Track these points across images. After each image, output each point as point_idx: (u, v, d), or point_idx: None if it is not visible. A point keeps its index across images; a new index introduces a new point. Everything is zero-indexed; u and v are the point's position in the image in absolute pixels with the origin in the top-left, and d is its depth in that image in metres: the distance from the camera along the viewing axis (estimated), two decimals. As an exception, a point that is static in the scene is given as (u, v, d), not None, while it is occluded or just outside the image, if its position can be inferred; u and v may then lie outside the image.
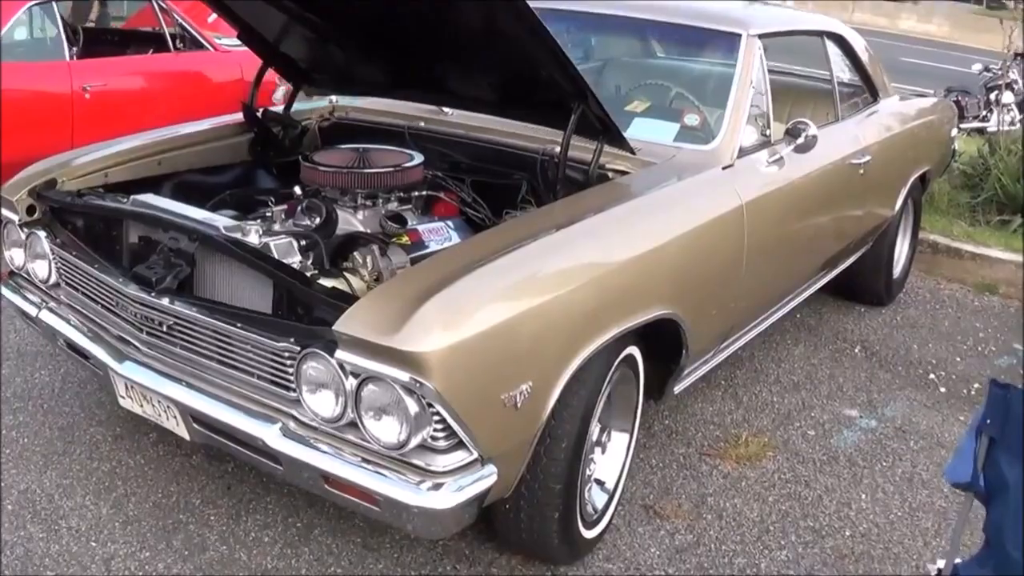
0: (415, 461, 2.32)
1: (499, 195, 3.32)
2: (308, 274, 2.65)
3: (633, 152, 3.17)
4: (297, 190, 3.22)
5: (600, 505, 2.98)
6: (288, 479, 2.62)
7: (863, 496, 3.38)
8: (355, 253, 2.86)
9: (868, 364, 4.43)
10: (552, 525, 2.71)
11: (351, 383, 2.30)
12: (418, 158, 3.26)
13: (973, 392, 4.18)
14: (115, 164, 3.37)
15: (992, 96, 9.13)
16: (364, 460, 2.38)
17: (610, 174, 3.20)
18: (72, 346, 3.05)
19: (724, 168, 3.33)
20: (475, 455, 2.34)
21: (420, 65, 3.38)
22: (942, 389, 4.21)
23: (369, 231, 3.11)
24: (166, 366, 2.74)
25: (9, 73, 4.91)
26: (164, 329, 2.69)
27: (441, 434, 2.30)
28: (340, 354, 2.28)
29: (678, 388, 3.30)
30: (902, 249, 5.09)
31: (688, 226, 3.06)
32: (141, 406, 2.86)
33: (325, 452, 2.42)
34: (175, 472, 3.29)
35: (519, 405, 2.41)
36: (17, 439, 3.43)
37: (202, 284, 2.78)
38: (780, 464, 3.56)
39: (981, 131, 8.34)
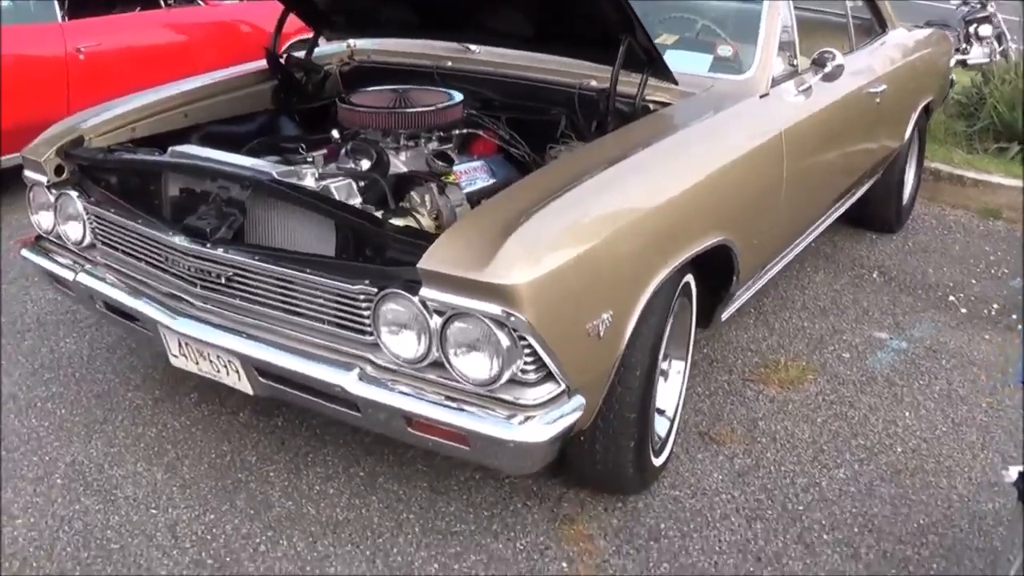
0: (503, 396, 2.30)
1: (536, 131, 3.28)
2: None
3: (676, 83, 3.14)
4: (335, 133, 3.14)
5: (663, 433, 2.98)
6: (367, 425, 2.58)
7: (907, 414, 3.42)
8: (412, 192, 2.81)
9: (888, 288, 4.48)
10: (627, 455, 2.71)
11: (436, 321, 2.27)
12: (458, 97, 3.20)
13: (993, 312, 4.24)
14: (141, 118, 3.27)
15: (971, 29, 9.25)
16: (449, 399, 2.35)
17: (651, 106, 3.17)
18: (114, 307, 2.97)
19: (761, 97, 3.32)
20: (563, 387, 2.32)
21: (446, 1, 3.31)
22: (963, 310, 4.27)
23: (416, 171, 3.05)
24: (224, 319, 2.67)
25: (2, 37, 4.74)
26: (222, 281, 2.62)
27: (531, 367, 2.27)
28: (425, 292, 2.24)
29: (725, 315, 3.32)
30: (909, 177, 5.14)
31: (736, 154, 3.05)
32: (197, 363, 2.79)
33: (408, 394, 2.38)
34: (224, 431, 3.24)
35: (602, 334, 2.40)
36: (54, 410, 3.34)
37: (254, 233, 2.70)
38: (822, 386, 3.60)
39: (963, 63, 8.45)
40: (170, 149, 2.91)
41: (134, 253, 2.89)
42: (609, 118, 3.01)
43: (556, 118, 3.28)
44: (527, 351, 2.24)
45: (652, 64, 3.04)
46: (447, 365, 2.31)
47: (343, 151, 3.03)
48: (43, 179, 3.05)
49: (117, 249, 2.96)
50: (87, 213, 2.99)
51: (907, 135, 4.80)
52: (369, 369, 2.44)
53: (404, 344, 2.36)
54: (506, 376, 2.24)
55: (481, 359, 2.27)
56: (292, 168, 2.68)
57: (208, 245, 2.59)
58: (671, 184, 2.73)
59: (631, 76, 3.07)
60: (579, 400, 2.36)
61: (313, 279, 2.45)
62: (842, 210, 4.46)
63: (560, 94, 3.35)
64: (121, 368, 3.61)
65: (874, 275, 4.63)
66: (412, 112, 3.08)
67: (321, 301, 2.48)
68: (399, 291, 2.29)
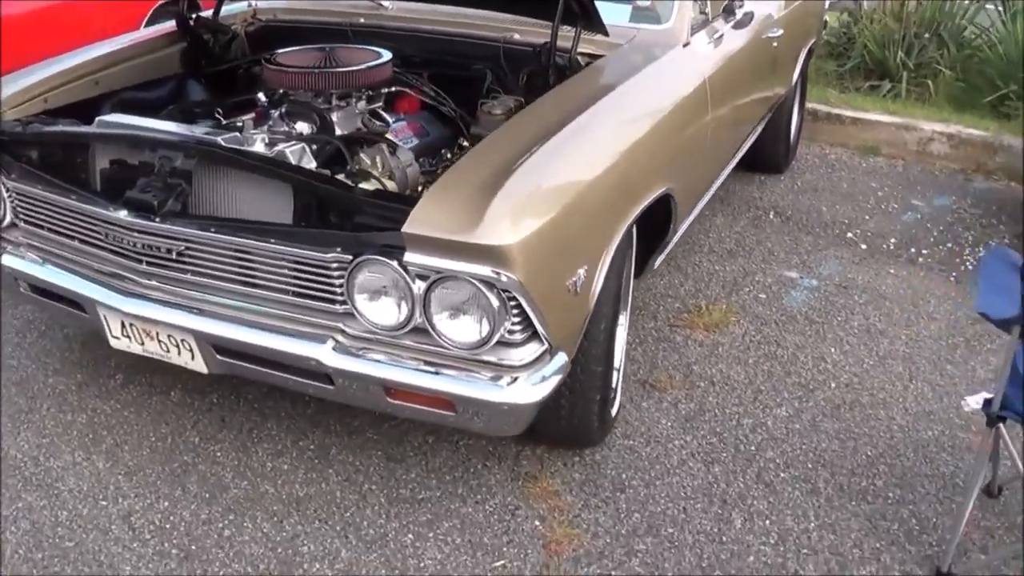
0: (488, 358, 2.27)
1: (458, 87, 3.23)
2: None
3: (607, 34, 3.13)
4: (262, 96, 3.00)
5: (613, 384, 3.02)
6: (339, 398, 2.50)
7: (832, 350, 3.58)
8: (361, 154, 2.71)
9: (787, 228, 4.65)
10: (593, 408, 2.74)
11: (419, 286, 2.21)
12: (387, 55, 3.09)
13: (892, 247, 4.47)
14: (52, 88, 3.04)
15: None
16: (431, 364, 2.32)
17: (581, 58, 3.16)
18: (43, 289, 2.76)
19: (684, 46, 3.35)
20: (546, 346, 2.32)
21: None
22: (863, 246, 4.47)
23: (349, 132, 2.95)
24: (174, 296, 2.53)
25: None
26: (173, 256, 2.47)
27: (517, 327, 2.25)
28: (410, 257, 2.17)
29: (658, 263, 3.37)
30: (795, 118, 5.32)
31: (673, 103, 3.08)
32: (143, 343, 2.64)
33: (387, 362, 2.33)
34: (159, 412, 3.08)
35: (578, 290, 2.40)
36: (-33, 403, 3.10)
37: (198, 204, 2.55)
38: (746, 328, 3.71)
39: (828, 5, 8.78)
40: (98, 119, 2.71)
41: (65, 231, 2.69)
42: (551, 72, 2.97)
43: (481, 73, 3.24)
44: (515, 311, 2.21)
45: (586, 16, 3.02)
46: (431, 330, 2.26)
47: (277, 114, 2.89)
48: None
49: (43, 227, 2.74)
50: (7, 191, 2.75)
51: (795, 77, 4.96)
52: (342, 339, 2.36)
53: (383, 311, 2.29)
54: (496, 338, 2.22)
55: (469, 322, 2.23)
56: (237, 134, 2.54)
57: (156, 219, 2.43)
58: (625, 136, 2.74)
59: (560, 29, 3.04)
60: (562, 358, 2.36)
61: (278, 249, 2.34)
62: (742, 153, 4.59)
63: (481, 48, 3.29)
64: (35, 352, 3.37)
65: (771, 216, 4.79)
66: (344, 71, 2.96)
67: (285, 272, 2.38)
68: (378, 257, 2.21)
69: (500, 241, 2.12)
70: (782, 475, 2.90)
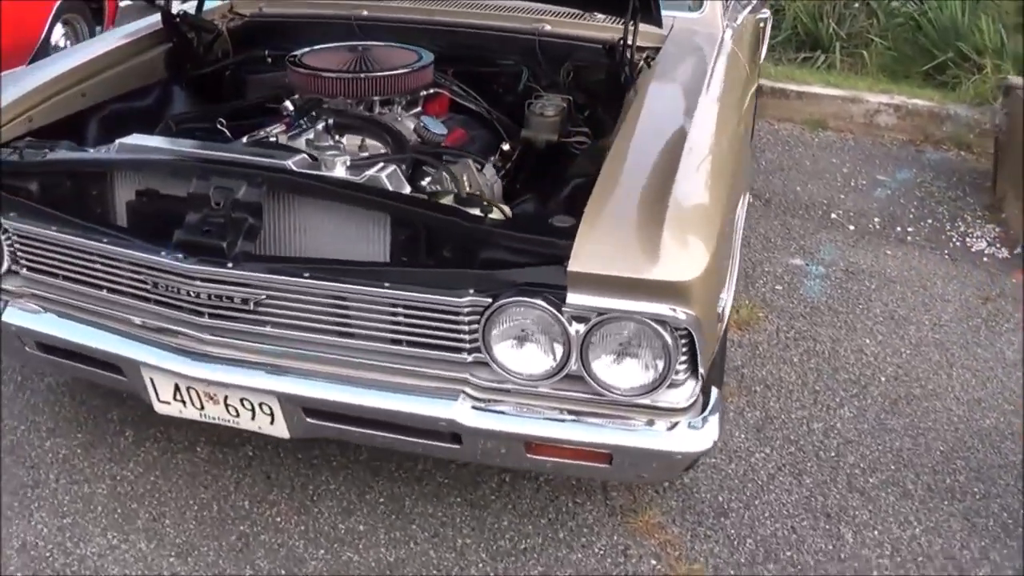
0: (642, 402, 2.02)
1: (485, 84, 2.94)
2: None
3: (661, 26, 2.88)
4: (288, 104, 2.63)
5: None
6: (466, 457, 2.20)
7: (867, 341, 3.50)
8: (443, 172, 2.37)
9: (772, 212, 4.56)
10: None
11: (575, 329, 1.93)
12: (427, 55, 2.75)
13: (877, 226, 4.44)
14: (36, 104, 2.57)
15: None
16: (572, 413, 2.05)
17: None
18: (59, 349, 2.31)
19: (723, 33, 3.16)
20: (700, 382, 2.09)
21: None
22: (851, 227, 4.43)
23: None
24: (248, 353, 2.15)
25: None
26: (250, 307, 2.09)
27: (682, 366, 2.01)
28: (573, 298, 1.90)
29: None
30: (751, 96, 5.24)
31: (740, 98, 2.90)
32: (201, 408, 2.25)
33: (533, 417, 2.05)
34: (190, 474, 2.68)
35: (722, 315, 2.19)
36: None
37: (265, 241, 2.18)
38: (777, 324, 3.59)
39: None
40: (119, 143, 2.29)
41: (88, 279, 2.25)
42: (626, 71, 2.71)
43: (514, 69, 2.95)
44: (684, 349, 1.97)
45: (645, 7, 2.76)
46: (588, 377, 1.98)
47: (320, 126, 2.52)
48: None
49: (56, 275, 2.29)
50: (4, 233, 2.28)
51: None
52: (473, 393, 2.06)
53: (529, 360, 2.01)
54: (668, 380, 1.97)
55: (634, 366, 1.98)
56: (305, 156, 2.18)
57: (229, 264, 2.04)
58: (733, 142, 2.53)
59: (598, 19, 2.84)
60: (715, 393, 2.13)
61: (392, 295, 2.01)
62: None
63: (511, 42, 3.00)
64: (20, 410, 2.90)
65: (750, 199, 4.69)
66: (391, 75, 2.62)
67: (400, 320, 2.04)
68: (530, 300, 1.92)
69: (681, 276, 1.89)
70: (871, 480, 2.79)
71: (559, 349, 1.97)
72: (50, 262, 2.29)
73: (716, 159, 2.31)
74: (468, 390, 2.06)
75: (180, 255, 2.07)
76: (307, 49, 2.75)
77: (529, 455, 2.10)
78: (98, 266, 2.22)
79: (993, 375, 3.32)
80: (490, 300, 1.96)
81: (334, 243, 2.15)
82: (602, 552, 2.49)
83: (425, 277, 2.00)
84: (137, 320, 2.23)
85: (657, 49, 2.88)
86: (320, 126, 2.52)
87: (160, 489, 2.62)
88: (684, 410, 2.03)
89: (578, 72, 2.89)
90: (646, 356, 1.95)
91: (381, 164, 2.19)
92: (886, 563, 2.50)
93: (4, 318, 2.33)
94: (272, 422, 2.20)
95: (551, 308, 1.92)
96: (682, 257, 1.92)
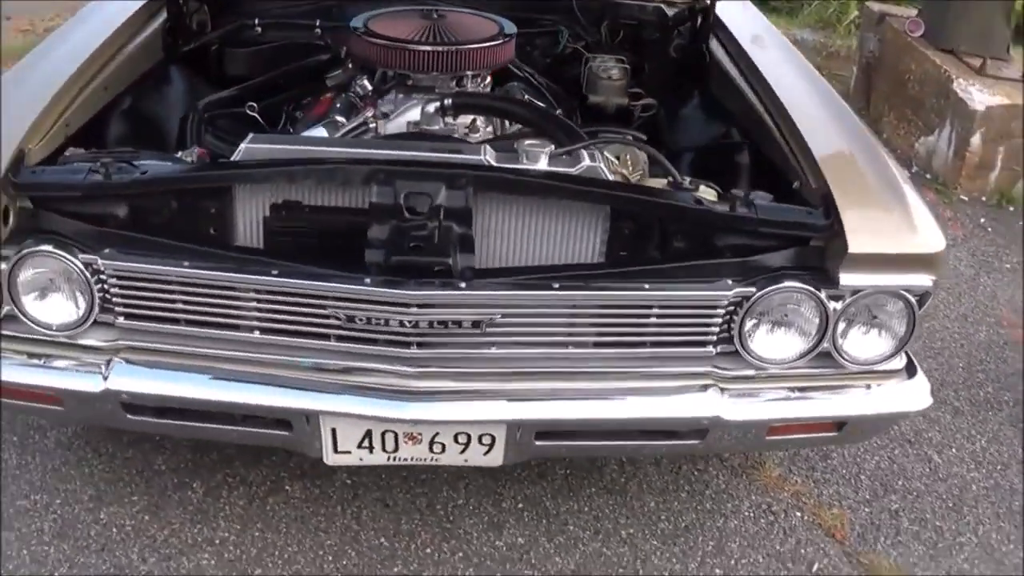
0: (880, 368, 2.01)
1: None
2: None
3: None
4: (366, 83, 2.40)
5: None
6: (706, 451, 2.13)
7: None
8: (605, 152, 2.17)
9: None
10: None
11: (833, 307, 1.88)
12: (510, 24, 2.48)
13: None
14: (68, 106, 2.03)
15: None
16: (804, 391, 2.01)
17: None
18: (186, 411, 1.92)
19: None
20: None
21: None
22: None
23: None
24: (467, 380, 1.89)
25: None
26: (482, 329, 1.82)
27: (907, 333, 2.03)
28: (846, 279, 1.84)
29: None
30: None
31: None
32: (394, 451, 1.95)
33: (780, 400, 1.99)
34: (295, 519, 2.36)
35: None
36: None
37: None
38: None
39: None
40: (245, 147, 1.89)
41: (232, 321, 1.85)
42: (705, 35, 2.62)
43: (555, 30, 2.79)
44: None
45: None
46: (835, 353, 1.95)
47: (433, 108, 2.23)
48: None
49: (177, 321, 1.86)
50: (98, 275, 1.81)
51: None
52: (723, 384, 1.95)
53: (783, 344, 1.93)
54: (908, 343, 1.97)
55: (875, 336, 1.96)
56: (503, 148, 1.94)
57: (463, 285, 1.77)
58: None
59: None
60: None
61: (646, 296, 1.84)
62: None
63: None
64: (42, 481, 2.40)
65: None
66: (485, 48, 2.34)
67: (650, 320, 1.88)
68: (798, 285, 1.85)
69: (938, 247, 1.91)
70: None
71: (814, 330, 1.91)
72: (166, 305, 1.85)
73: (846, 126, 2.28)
74: (719, 383, 1.95)
75: (393, 280, 1.76)
76: (370, 14, 2.39)
77: (769, 437, 2.04)
78: (252, 304, 1.83)
79: (962, 291, 3.64)
80: (753, 290, 1.85)
81: (537, 246, 1.93)
82: (751, 514, 2.49)
83: (687, 272, 1.86)
84: (306, 363, 1.88)
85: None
86: (431, 108, 2.22)
87: (275, 544, 2.27)
88: (898, 372, 2.06)
89: (619, 30, 2.75)
90: (892, 325, 1.94)
91: (589, 152, 1.97)
92: (976, 475, 2.70)
93: (109, 385, 1.86)
94: (488, 452, 1.96)
95: (815, 291, 1.85)
96: (930, 227, 1.93)
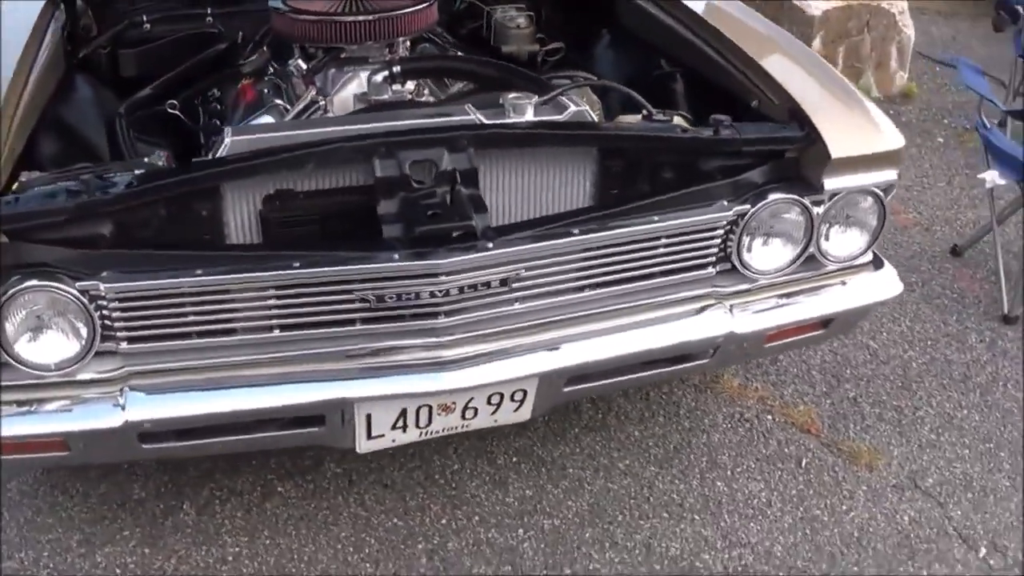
0: (856, 263, 2.16)
1: None
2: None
3: None
4: (301, 63, 2.34)
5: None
6: (712, 369, 2.23)
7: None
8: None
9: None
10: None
11: (817, 212, 2.01)
12: None
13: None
14: (9, 127, 1.86)
15: None
16: (790, 296, 2.14)
17: None
18: (208, 428, 1.83)
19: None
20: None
21: None
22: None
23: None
24: (498, 340, 1.89)
25: None
26: (509, 287, 1.83)
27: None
28: (830, 183, 1.97)
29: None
30: None
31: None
32: (428, 424, 1.94)
33: (779, 307, 2.10)
34: (298, 518, 2.31)
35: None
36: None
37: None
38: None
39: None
40: (231, 141, 1.82)
41: (251, 323, 1.78)
42: None
43: None
44: None
45: None
46: (819, 255, 2.08)
47: (380, 76, 2.18)
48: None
49: (189, 335, 1.76)
50: (99, 302, 1.69)
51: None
52: (729, 301, 2.05)
53: (775, 254, 2.05)
54: (879, 237, 2.13)
55: (852, 234, 2.11)
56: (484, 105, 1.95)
57: (490, 245, 1.77)
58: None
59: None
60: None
61: (655, 229, 1.90)
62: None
63: None
64: (20, 536, 2.22)
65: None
66: (417, 11, 2.29)
67: (658, 251, 1.94)
68: (791, 196, 1.96)
69: (900, 144, 2.06)
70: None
71: (802, 236, 2.03)
72: (176, 320, 1.75)
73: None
74: (723, 301, 2.04)
75: (422, 252, 1.73)
76: None
77: (767, 345, 2.15)
78: (271, 302, 1.76)
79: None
80: (748, 207, 1.95)
81: (532, 196, 1.95)
82: (728, 425, 2.62)
83: (685, 200, 1.92)
84: (333, 352, 1.82)
85: None
86: (379, 77, 2.17)
87: (290, 548, 2.21)
88: (866, 265, 2.21)
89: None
90: (867, 221, 2.09)
91: (566, 99, 2.00)
92: (912, 353, 2.93)
93: (129, 417, 1.74)
94: (518, 408, 1.98)
95: (800, 199, 1.97)
96: (888, 125, 2.08)
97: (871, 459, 2.51)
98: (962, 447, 2.57)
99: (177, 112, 2.33)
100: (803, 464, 2.49)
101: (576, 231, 1.84)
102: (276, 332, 1.79)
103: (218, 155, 1.81)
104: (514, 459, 2.47)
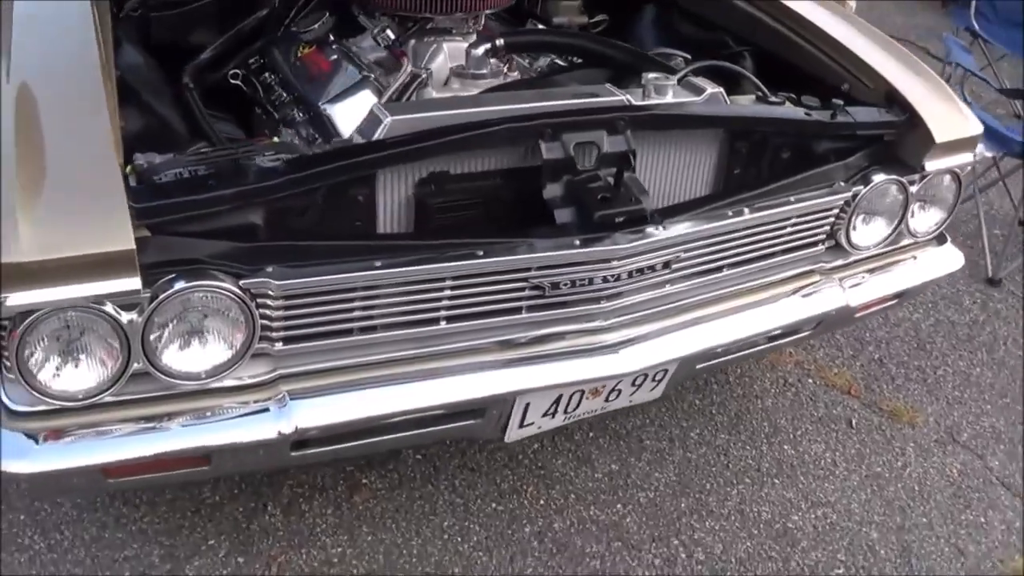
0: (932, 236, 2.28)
1: None
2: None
3: None
4: (390, 33, 2.22)
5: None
6: (813, 338, 2.30)
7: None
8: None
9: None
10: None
11: (912, 191, 2.11)
12: None
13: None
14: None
15: None
16: (872, 271, 2.21)
17: None
18: (363, 431, 1.74)
19: None
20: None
21: None
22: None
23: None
24: (653, 322, 1.89)
25: None
26: (670, 269, 1.83)
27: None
28: (930, 165, 2.07)
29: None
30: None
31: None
32: (575, 408, 1.92)
33: (864, 282, 2.18)
34: (396, 511, 2.23)
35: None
36: None
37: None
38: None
39: None
40: (391, 120, 1.69)
41: (420, 316, 1.70)
42: None
43: None
44: None
45: None
46: (905, 230, 2.18)
47: (481, 50, 2.11)
48: (133, 284, 1.43)
49: (351, 331, 1.67)
50: (257, 297, 1.55)
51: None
52: (838, 276, 2.13)
53: (873, 232, 2.14)
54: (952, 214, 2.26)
55: (933, 211, 2.22)
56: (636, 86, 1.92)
57: (662, 228, 1.76)
58: None
59: None
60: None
61: (796, 207, 1.95)
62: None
63: None
64: (108, 555, 2.03)
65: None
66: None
67: (785, 230, 1.99)
68: (893, 176, 2.05)
69: (979, 129, 2.15)
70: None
71: (899, 210, 2.12)
72: (341, 317, 1.65)
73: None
74: (832, 276, 2.11)
75: (599, 237, 1.70)
76: None
77: (857, 315, 2.24)
78: (445, 292, 1.68)
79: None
80: (862, 188, 2.02)
81: (664, 176, 1.95)
82: (776, 390, 2.72)
83: (811, 181, 1.97)
84: (492, 341, 1.77)
85: None
86: (480, 50, 2.10)
87: (395, 543, 2.15)
88: (931, 241, 2.32)
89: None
90: (946, 199, 2.19)
91: (700, 79, 1.99)
92: (918, 315, 3.10)
93: (297, 423, 1.62)
94: (655, 387, 1.98)
95: (901, 179, 2.06)
96: (968, 111, 2.19)
97: (911, 417, 2.67)
98: (983, 402, 2.77)
99: (239, 83, 2.17)
100: (853, 424, 2.63)
101: (730, 213, 1.85)
102: (443, 324, 1.72)
103: (375, 137, 1.70)
104: (590, 434, 2.47)
